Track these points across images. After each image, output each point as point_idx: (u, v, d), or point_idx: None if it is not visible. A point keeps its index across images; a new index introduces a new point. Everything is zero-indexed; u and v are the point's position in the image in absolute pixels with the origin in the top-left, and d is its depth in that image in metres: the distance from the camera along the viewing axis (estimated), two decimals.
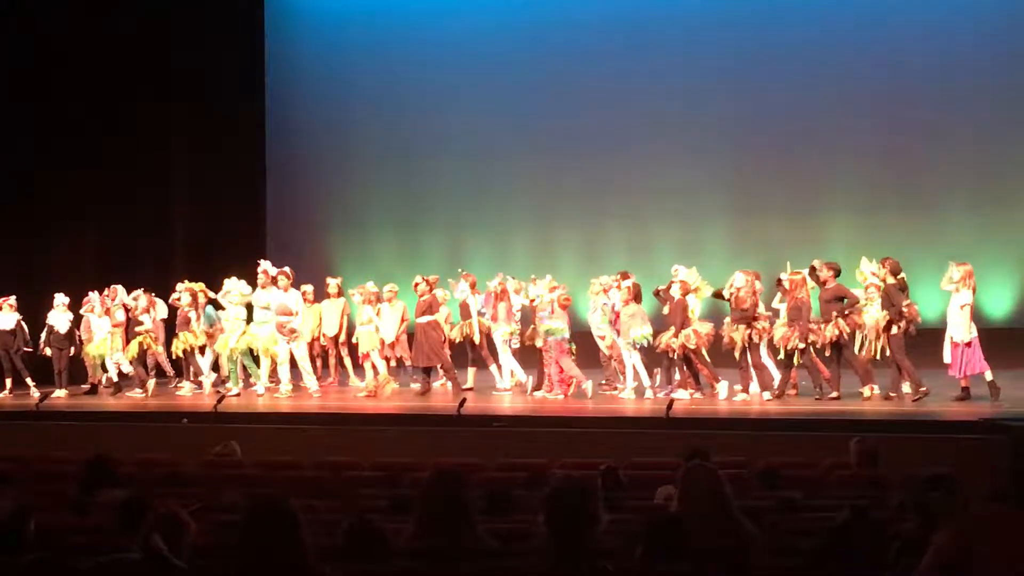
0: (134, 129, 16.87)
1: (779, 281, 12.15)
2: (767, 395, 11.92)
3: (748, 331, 11.74)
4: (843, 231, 15.16)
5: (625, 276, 12.65)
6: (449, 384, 13.46)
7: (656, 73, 16.66)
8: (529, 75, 17.28)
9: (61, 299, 14.13)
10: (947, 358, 11.22)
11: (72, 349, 14.23)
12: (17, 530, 4.62)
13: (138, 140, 16.96)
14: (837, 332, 11.41)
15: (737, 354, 11.89)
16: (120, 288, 14.22)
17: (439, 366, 13.31)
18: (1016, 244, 15.10)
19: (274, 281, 13.30)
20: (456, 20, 17.72)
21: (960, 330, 11.04)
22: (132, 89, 16.82)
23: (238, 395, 13.31)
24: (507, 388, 13.30)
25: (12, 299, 14.09)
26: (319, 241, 17.87)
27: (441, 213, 17.65)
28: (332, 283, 14.14)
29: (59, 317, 14.08)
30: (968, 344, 11.00)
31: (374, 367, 13.25)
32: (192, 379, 14.20)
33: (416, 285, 13.39)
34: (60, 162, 16.30)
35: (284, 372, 13.32)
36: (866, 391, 11.54)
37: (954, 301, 11.17)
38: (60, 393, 13.79)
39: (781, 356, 11.84)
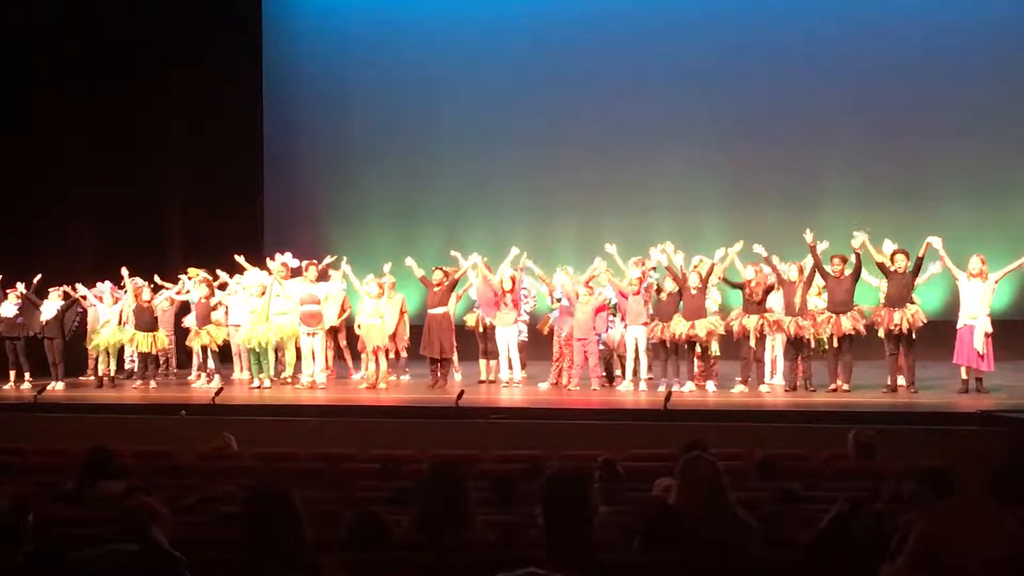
0: (133, 121, 16.86)
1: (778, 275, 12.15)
2: (764, 387, 11.94)
3: (761, 322, 11.75)
4: (841, 223, 15.10)
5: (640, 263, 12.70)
6: (457, 375, 13.68)
7: (653, 66, 16.68)
8: (526, 67, 17.29)
9: (54, 291, 14.15)
10: (982, 350, 11.14)
11: (63, 339, 14.20)
12: (16, 522, 4.62)
13: (136, 132, 16.96)
14: (853, 330, 11.41)
15: (753, 342, 11.88)
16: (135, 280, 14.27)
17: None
18: (1014, 236, 15.09)
19: (296, 272, 13.64)
20: (453, 13, 17.73)
21: (987, 322, 11.09)
22: (131, 81, 16.80)
23: (260, 387, 13.35)
24: (505, 381, 13.31)
25: (20, 288, 14.08)
26: (316, 232, 17.85)
27: (438, 205, 17.66)
28: (334, 275, 14.11)
29: (49, 307, 14.07)
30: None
31: (376, 360, 13.22)
32: (207, 371, 14.20)
33: (446, 274, 13.32)
34: (58, 153, 16.30)
35: (306, 364, 13.42)
36: (845, 387, 11.56)
37: (982, 293, 11.16)
38: (58, 385, 13.78)
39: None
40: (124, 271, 14.20)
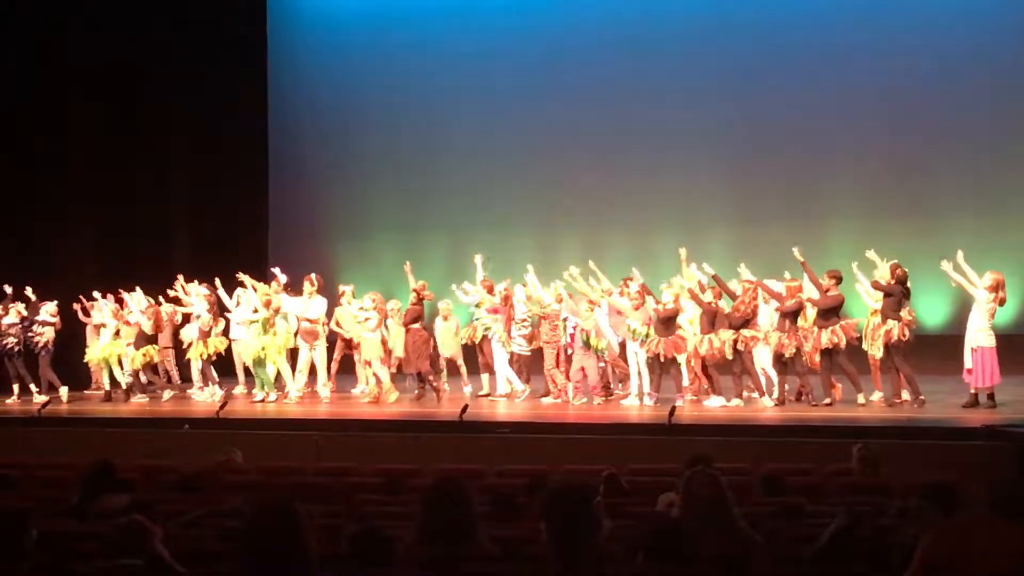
0: (135, 131, 16.91)
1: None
2: (768, 401, 11.92)
3: (735, 337, 11.75)
4: (844, 237, 15.17)
5: (629, 280, 12.72)
6: (466, 389, 13.78)
7: (658, 78, 16.70)
8: (531, 79, 17.33)
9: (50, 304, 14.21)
10: (968, 364, 11.11)
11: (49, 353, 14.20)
12: (18, 536, 4.62)
13: (139, 142, 17.01)
14: (836, 340, 11.42)
15: (726, 357, 11.90)
16: (139, 293, 14.27)
17: (424, 372, 13.36)
18: (1018, 250, 15.08)
19: (288, 288, 13.71)
20: (458, 24, 17.77)
21: (985, 336, 11.04)
22: (133, 91, 16.85)
23: (264, 400, 13.35)
24: (501, 395, 13.34)
25: (20, 305, 14.12)
26: (321, 245, 17.87)
27: (443, 218, 17.67)
28: (345, 290, 14.10)
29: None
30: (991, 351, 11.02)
31: (376, 375, 13.24)
32: (209, 385, 14.16)
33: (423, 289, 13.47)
34: (60, 164, 16.32)
35: (301, 378, 13.52)
36: (860, 398, 11.56)
37: (980, 308, 11.14)
38: (63, 398, 13.81)
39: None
40: (166, 308, 14.24)
